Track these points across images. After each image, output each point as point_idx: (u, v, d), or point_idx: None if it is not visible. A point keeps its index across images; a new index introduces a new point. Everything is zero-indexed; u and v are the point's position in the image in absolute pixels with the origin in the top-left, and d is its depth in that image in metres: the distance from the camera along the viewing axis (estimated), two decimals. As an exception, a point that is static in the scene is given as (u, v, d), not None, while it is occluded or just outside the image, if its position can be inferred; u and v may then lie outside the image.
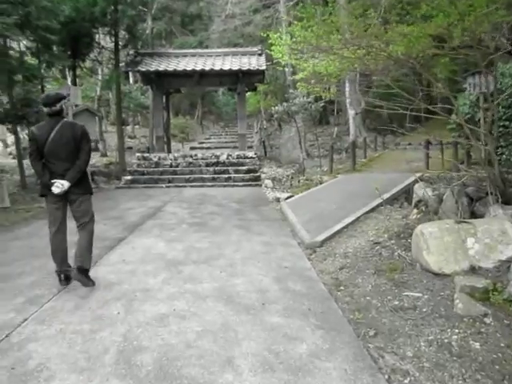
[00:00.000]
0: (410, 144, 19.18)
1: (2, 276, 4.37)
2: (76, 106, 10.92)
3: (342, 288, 4.04)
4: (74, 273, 3.96)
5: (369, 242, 5.27)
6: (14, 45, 15.04)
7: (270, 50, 14.23)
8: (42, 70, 15.34)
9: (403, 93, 5.30)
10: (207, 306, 3.54)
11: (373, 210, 7.12)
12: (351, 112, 16.46)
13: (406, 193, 8.53)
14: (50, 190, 3.90)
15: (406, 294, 3.71)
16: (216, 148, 20.37)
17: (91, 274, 4.11)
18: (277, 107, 11.80)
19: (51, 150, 3.86)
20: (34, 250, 5.37)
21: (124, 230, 6.39)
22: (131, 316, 3.32)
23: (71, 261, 4.20)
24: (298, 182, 11.15)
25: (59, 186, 3.86)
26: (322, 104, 12.16)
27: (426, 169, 10.26)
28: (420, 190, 6.32)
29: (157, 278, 4.23)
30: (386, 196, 7.81)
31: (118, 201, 9.53)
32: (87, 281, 3.95)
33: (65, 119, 4.06)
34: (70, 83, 15.83)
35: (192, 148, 20.80)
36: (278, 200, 9.04)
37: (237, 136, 24.34)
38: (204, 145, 22.26)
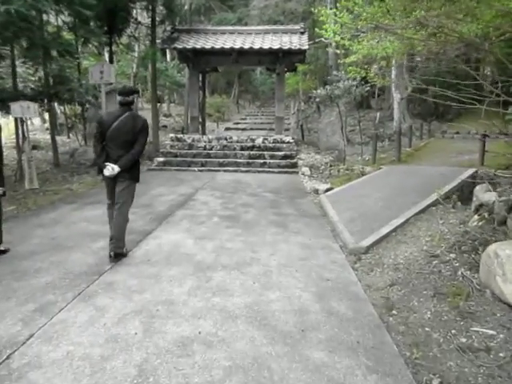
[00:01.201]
0: (457, 133, 17.97)
1: (18, 273, 4.02)
2: (110, 84, 10.52)
3: (394, 312, 3.46)
4: (110, 256, 4.36)
5: (423, 253, 4.62)
6: (52, 20, 14.88)
7: (314, 28, 13.34)
8: (79, 46, 15.14)
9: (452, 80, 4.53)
10: (237, 329, 3.04)
11: (423, 210, 6.41)
12: (397, 96, 15.42)
13: (460, 191, 7.72)
14: (102, 171, 4.34)
15: (475, 329, 3.08)
16: (251, 129, 19.82)
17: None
18: (319, 90, 11.04)
19: (112, 135, 4.27)
20: (56, 241, 5.02)
21: (152, 221, 5.98)
22: (150, 339, 2.86)
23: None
24: (338, 171, 10.45)
25: (109, 169, 4.25)
26: (368, 88, 11.28)
27: (481, 164, 9.35)
28: (482, 193, 5.55)
29: (183, 286, 3.76)
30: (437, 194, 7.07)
31: (149, 185, 9.15)
32: (121, 258, 4.41)
33: (132, 111, 4.41)
34: (107, 60, 15.56)
35: (227, 128, 20.30)
36: (316, 192, 8.43)
37: (273, 117, 23.71)
38: (239, 125, 21.71)
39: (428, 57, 5.21)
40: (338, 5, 5.77)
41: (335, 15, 5.88)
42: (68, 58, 11.10)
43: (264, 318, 3.23)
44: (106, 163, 4.27)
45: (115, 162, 4.26)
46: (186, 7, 21.18)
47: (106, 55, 17.08)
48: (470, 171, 8.53)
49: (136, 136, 4.33)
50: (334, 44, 16.11)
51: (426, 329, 3.17)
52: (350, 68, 7.09)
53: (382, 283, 4.05)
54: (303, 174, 11.03)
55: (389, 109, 19.07)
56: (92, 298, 3.48)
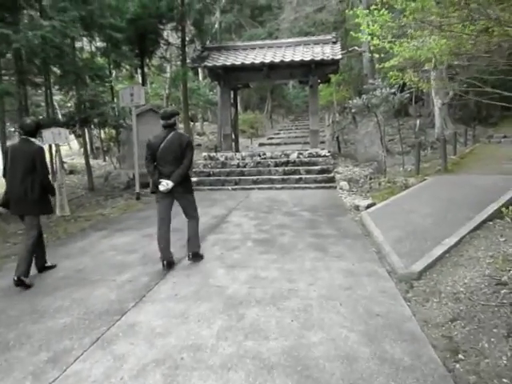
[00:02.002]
0: (505, 137, 16.87)
1: (37, 313, 3.74)
2: (140, 106, 10.45)
3: (461, 357, 2.89)
4: (189, 256, 5.05)
5: (486, 279, 4.00)
6: (87, 46, 15.20)
7: (346, 38, 12.83)
8: (112, 70, 15.35)
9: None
10: (274, 383, 2.58)
11: (479, 226, 5.75)
12: (438, 102, 14.66)
13: (519, 202, 6.95)
14: (157, 188, 4.74)
15: None
16: (286, 144, 19.41)
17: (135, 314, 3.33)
18: (354, 100, 10.52)
19: (162, 155, 4.72)
20: (81, 274, 4.74)
21: (181, 247, 5.63)
22: (171, 399, 2.45)
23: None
24: (379, 184, 9.83)
25: (164, 184, 4.68)
26: (407, 95, 10.65)
27: (541, 170, 8.49)
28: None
29: (211, 327, 3.34)
30: (493, 207, 6.37)
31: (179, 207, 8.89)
32: (200, 259, 5.08)
33: (176, 130, 4.85)
34: (140, 82, 15.70)
35: (261, 144, 20.01)
36: (357, 208, 7.86)
37: (307, 130, 23.23)
38: (273, 140, 21.36)
39: (475, 56, 4.64)
40: (374, 4, 5.28)
41: (373, 15, 5.37)
42: (100, 83, 11.13)
43: (305, 367, 2.75)
44: (161, 179, 4.71)
45: (168, 178, 4.69)
46: (216, 26, 21.23)
47: (139, 78, 17.28)
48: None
49: (183, 152, 4.77)
50: (367, 52, 15.58)
51: (504, 380, 2.60)
52: (392, 73, 6.54)
53: (442, 317, 3.48)
54: (341, 189, 10.47)
55: (429, 115, 18.20)
56: (111, 345, 3.11)
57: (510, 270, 4.06)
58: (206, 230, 6.56)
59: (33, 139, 4.68)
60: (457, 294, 3.85)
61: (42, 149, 4.65)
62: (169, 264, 4.78)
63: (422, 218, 6.30)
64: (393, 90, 10.06)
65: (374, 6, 5.13)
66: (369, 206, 7.65)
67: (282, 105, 34.50)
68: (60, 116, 10.69)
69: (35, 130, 4.74)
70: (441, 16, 4.03)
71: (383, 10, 4.98)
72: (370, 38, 5.78)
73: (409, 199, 7.65)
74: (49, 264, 5.00)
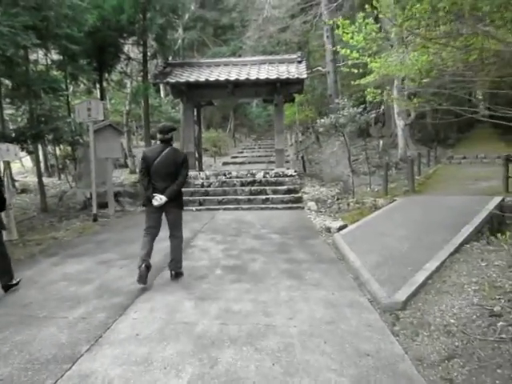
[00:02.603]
0: (464, 157, 17.36)
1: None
2: (98, 121, 9.84)
3: (467, 405, 2.56)
4: (172, 275, 5.00)
5: (476, 308, 3.75)
6: (43, 60, 14.42)
7: (309, 59, 12.78)
8: (69, 84, 14.60)
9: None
10: None
11: (457, 249, 5.58)
12: (400, 123, 14.87)
13: (490, 223, 6.91)
14: (150, 202, 4.73)
15: None
16: (250, 163, 19.11)
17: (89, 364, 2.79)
18: (322, 120, 10.39)
19: (157, 169, 4.74)
20: (26, 311, 4.11)
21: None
22: None
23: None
24: (348, 205, 9.65)
25: (158, 199, 4.69)
26: (373, 115, 10.64)
27: (506, 191, 8.57)
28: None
29: (181, 375, 2.85)
30: (468, 229, 6.25)
31: (141, 230, 8.29)
32: (181, 276, 5.04)
33: (172, 146, 4.89)
34: (98, 97, 15.01)
35: (224, 163, 19.61)
36: (328, 230, 7.58)
37: (271, 149, 23.08)
38: (237, 159, 21.02)
39: (455, 73, 4.51)
40: (360, 13, 5.06)
41: (357, 25, 5.14)
42: (53, 96, 10.42)
43: (294, 427, 2.33)
44: (154, 194, 4.71)
45: (161, 193, 4.70)
46: (179, 42, 20.90)
47: (98, 93, 16.58)
48: (497, 200, 7.76)
49: (178, 168, 4.81)
50: (332, 72, 15.68)
51: (520, 434, 2.27)
52: (369, 90, 6.37)
53: (436, 355, 3.16)
54: (309, 209, 10.21)
55: (390, 136, 18.51)
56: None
57: (500, 299, 3.83)
58: (168, 257, 6.04)
59: None
60: (448, 326, 3.56)
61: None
62: (146, 267, 4.66)
63: (397, 241, 6.08)
64: (359, 110, 10.00)
65: (360, 14, 4.93)
66: (341, 228, 7.39)
67: (245, 124, 34.40)
68: (10, 131, 9.85)
69: None
70: (427, 28, 3.85)
71: (369, 19, 4.79)
72: (348, 51, 5.57)
73: (381, 221, 7.45)
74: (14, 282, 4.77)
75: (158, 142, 4.98)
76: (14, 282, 4.75)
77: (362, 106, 10.34)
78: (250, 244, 6.73)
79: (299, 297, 4.33)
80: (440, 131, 23.78)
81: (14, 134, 9.13)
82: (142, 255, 4.75)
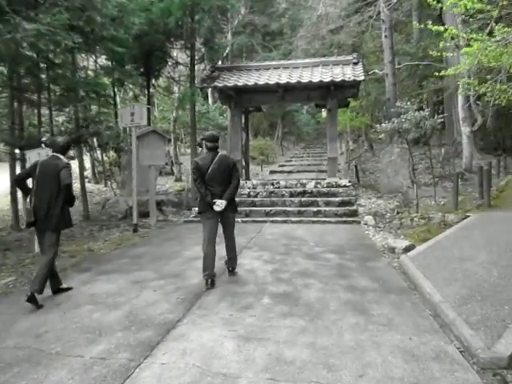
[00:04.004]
0: (539, 168, 15.53)
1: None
2: (142, 127, 9.39)
3: None
4: (230, 271, 5.41)
5: None
6: (92, 66, 14.38)
7: (363, 60, 11.79)
8: (117, 91, 14.44)
9: None
10: None
11: None
12: (466, 130, 13.47)
13: None
14: (211, 208, 4.92)
15: None
16: (298, 172, 18.25)
17: None
18: (383, 124, 9.38)
19: (212, 176, 4.97)
20: (38, 343, 3.48)
21: (179, 303, 4.35)
22: None
23: None
24: (411, 220, 8.55)
25: (219, 204, 4.91)
26: (441, 120, 9.49)
27: None
28: None
29: None
30: None
31: (183, 243, 7.66)
32: (235, 274, 5.37)
33: (220, 152, 5.12)
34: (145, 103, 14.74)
35: (272, 172, 18.85)
36: (392, 250, 6.57)
37: (319, 158, 22.12)
38: (285, 168, 20.20)
39: None
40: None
41: None
42: (99, 102, 10.09)
43: None
44: (215, 200, 4.92)
45: (219, 198, 4.95)
46: (228, 49, 20.47)
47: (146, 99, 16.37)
48: None
49: (230, 172, 5.09)
50: (390, 75, 14.55)
51: None
52: (463, 80, 5.36)
53: None
54: (366, 224, 9.20)
55: (452, 144, 17.00)
56: None
57: None
58: (211, 277, 5.30)
59: (61, 156, 4.72)
60: None
61: (69, 164, 4.74)
62: (212, 283, 4.87)
63: (482, 268, 4.99)
64: (425, 114, 8.90)
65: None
66: (407, 249, 6.36)
67: (293, 132, 33.58)
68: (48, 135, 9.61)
69: (65, 149, 4.88)
70: None
71: None
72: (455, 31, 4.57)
73: (456, 241, 6.34)
74: (64, 286, 4.90)
75: (205, 150, 5.22)
76: (65, 286, 4.89)
77: (427, 109, 9.22)
78: (302, 265, 5.85)
79: (368, 341, 3.41)
80: (504, 139, 21.82)
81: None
82: (207, 266, 4.90)
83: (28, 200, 4.67)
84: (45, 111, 11.14)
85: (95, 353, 3.27)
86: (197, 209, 10.78)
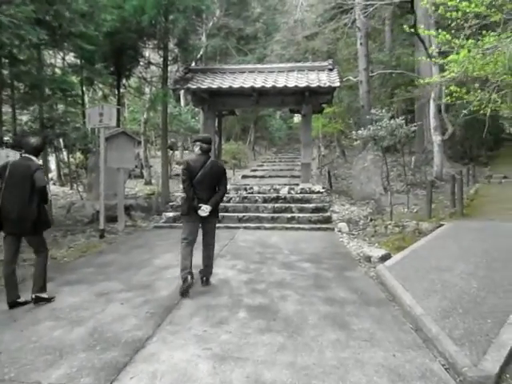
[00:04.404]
0: (505, 177, 15.99)
1: None
2: (111, 128, 9.00)
3: None
4: (203, 281, 5.19)
5: None
6: (60, 64, 13.81)
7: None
8: (86, 90, 13.92)
9: None
10: None
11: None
12: (437, 138, 13.69)
13: None
14: (196, 212, 4.84)
15: None
16: (270, 177, 18.05)
17: None
18: (359, 131, 9.33)
19: (202, 180, 4.90)
20: (-11, 368, 3.12)
21: (148, 318, 4.06)
22: None
23: None
24: (385, 228, 8.51)
25: (204, 209, 4.83)
26: (415, 128, 9.54)
27: None
28: None
29: None
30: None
31: (153, 250, 7.32)
32: (209, 284, 5.19)
33: (210, 157, 5.08)
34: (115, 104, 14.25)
35: (244, 176, 18.57)
36: (368, 259, 6.47)
37: (292, 163, 22.05)
38: (257, 173, 19.96)
39: None
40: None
41: None
42: (66, 101, 9.60)
43: None
44: (200, 204, 4.82)
45: (205, 203, 4.84)
46: (201, 51, 20.17)
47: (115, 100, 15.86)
48: None
49: (219, 179, 5.03)
50: (364, 82, 14.64)
51: None
52: (452, 88, 5.30)
53: None
54: (340, 231, 9.11)
55: (423, 152, 17.29)
56: None
57: None
58: (183, 288, 5.02)
59: (34, 158, 4.55)
60: None
61: (42, 166, 4.79)
62: (192, 277, 4.80)
63: (461, 279, 4.93)
64: (400, 121, 8.91)
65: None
66: (384, 258, 6.27)
67: (265, 136, 33.51)
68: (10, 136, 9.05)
69: (39, 150, 4.69)
70: None
71: None
72: (435, 34, 4.52)
73: (432, 251, 6.29)
74: (22, 300, 4.52)
75: (198, 152, 5.02)
76: (46, 296, 4.56)
77: (402, 117, 9.25)
78: (278, 275, 5.65)
79: (351, 359, 3.23)
80: (471, 149, 22.45)
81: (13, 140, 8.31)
82: (185, 266, 4.79)
83: None
84: (7, 109, 10.58)
85: (54, 378, 2.95)
86: (169, 214, 10.60)
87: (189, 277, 4.71)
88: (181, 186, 12.57)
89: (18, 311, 4.31)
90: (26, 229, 4.40)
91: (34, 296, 4.41)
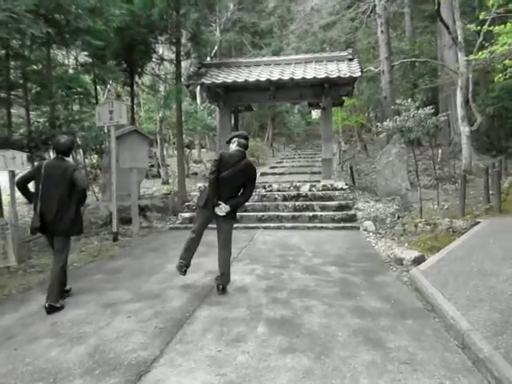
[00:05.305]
0: (540, 169, 15.00)
1: None
2: (122, 126, 8.64)
3: None
4: (219, 289, 4.70)
5: None
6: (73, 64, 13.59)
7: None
8: (100, 89, 13.67)
9: None
10: None
11: None
12: (465, 129, 12.90)
13: None
14: (212, 208, 4.58)
15: None
16: (290, 174, 17.55)
17: None
18: (385, 123, 8.73)
19: (230, 177, 4.58)
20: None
21: (156, 335, 3.61)
22: None
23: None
24: (415, 226, 7.89)
25: (222, 208, 4.55)
26: (444, 117, 8.88)
27: None
28: None
29: None
30: None
31: (166, 254, 6.92)
32: (225, 293, 4.69)
33: (246, 157, 4.77)
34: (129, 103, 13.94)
35: (263, 174, 18.09)
36: (399, 262, 5.91)
37: (312, 159, 21.47)
38: (276, 170, 19.48)
39: None
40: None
41: None
42: (69, 96, 9.24)
43: None
44: (220, 202, 4.54)
45: (225, 202, 4.55)
46: (216, 47, 19.74)
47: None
48: None
49: (246, 182, 4.70)
50: (387, 72, 13.95)
51: None
52: (507, 62, 4.72)
53: None
54: (366, 230, 8.56)
55: (449, 145, 16.48)
56: None
57: None
58: (196, 298, 4.57)
59: (67, 159, 4.59)
60: None
61: (78, 166, 4.78)
62: (185, 271, 4.80)
63: (510, 285, 4.33)
64: (430, 111, 8.27)
65: None
66: (417, 261, 5.70)
67: (283, 133, 33.00)
68: (20, 136, 8.79)
69: (70, 149, 4.64)
70: None
71: None
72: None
73: (472, 252, 5.67)
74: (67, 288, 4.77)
75: (235, 148, 4.77)
76: (58, 305, 4.34)
77: (429, 107, 8.59)
78: (300, 281, 5.15)
79: (392, 389, 2.72)
80: (499, 140, 21.40)
81: (25, 140, 8.00)
82: (184, 257, 4.76)
83: (33, 205, 4.46)
84: (21, 111, 10.35)
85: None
86: (185, 214, 10.21)
87: (184, 269, 4.75)
88: (198, 185, 12.25)
89: (16, 325, 3.93)
90: (60, 230, 4.40)
91: (47, 305, 4.22)
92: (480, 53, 4.54)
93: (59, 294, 4.40)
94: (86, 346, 3.42)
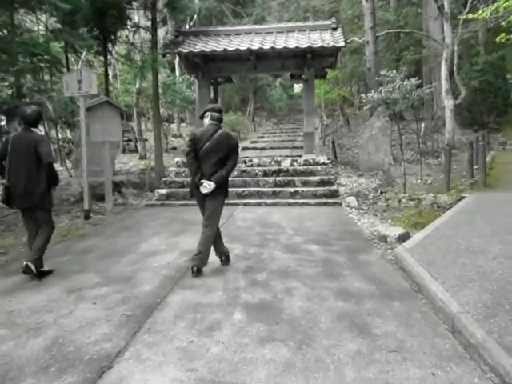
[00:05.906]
0: (523, 144, 15.05)
1: None
2: (91, 97, 8.09)
3: None
4: (194, 271, 4.35)
5: None
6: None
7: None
8: (69, 57, 12.94)
9: None
10: None
11: None
12: (449, 103, 12.70)
13: None
14: (198, 189, 4.38)
15: None
16: (271, 148, 17.16)
17: None
18: (369, 94, 8.40)
19: (207, 152, 4.36)
20: None
21: (122, 324, 3.29)
22: None
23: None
24: (399, 202, 7.71)
25: (207, 186, 4.33)
26: (430, 89, 8.61)
27: None
28: None
29: None
30: None
31: (140, 232, 6.56)
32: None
33: (222, 128, 4.51)
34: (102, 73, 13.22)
35: (244, 148, 17.63)
36: (384, 239, 5.69)
37: (293, 133, 21.09)
38: (257, 144, 19.06)
39: None
40: None
41: None
42: (33, 63, 8.57)
43: None
44: (202, 180, 4.35)
45: (208, 179, 4.34)
46: (195, 17, 18.89)
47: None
48: None
49: (229, 153, 4.46)
50: (371, 42, 13.54)
51: None
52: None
53: None
54: (349, 206, 8.34)
55: (432, 119, 16.30)
56: None
57: None
58: (169, 281, 4.25)
59: (35, 129, 4.41)
60: None
61: (45, 137, 4.61)
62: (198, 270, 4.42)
63: (500, 263, 4.15)
64: (415, 82, 7.96)
65: None
66: (402, 238, 5.48)
67: (265, 107, 32.39)
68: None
69: (37, 120, 4.45)
70: None
71: None
72: None
73: (458, 229, 5.49)
74: (46, 269, 4.55)
75: (208, 123, 4.48)
76: (46, 269, 4.52)
77: (416, 78, 8.29)
78: (281, 261, 4.88)
79: (380, 382, 2.47)
80: (481, 114, 21.35)
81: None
82: (197, 250, 4.49)
83: (6, 178, 4.41)
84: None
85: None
86: (162, 190, 9.83)
87: (195, 268, 4.36)
88: (175, 160, 11.81)
89: (-32, 316, 3.56)
90: (33, 203, 4.34)
91: (24, 264, 4.26)
92: (480, 11, 4.24)
93: (41, 261, 4.42)
94: (44, 338, 3.09)
